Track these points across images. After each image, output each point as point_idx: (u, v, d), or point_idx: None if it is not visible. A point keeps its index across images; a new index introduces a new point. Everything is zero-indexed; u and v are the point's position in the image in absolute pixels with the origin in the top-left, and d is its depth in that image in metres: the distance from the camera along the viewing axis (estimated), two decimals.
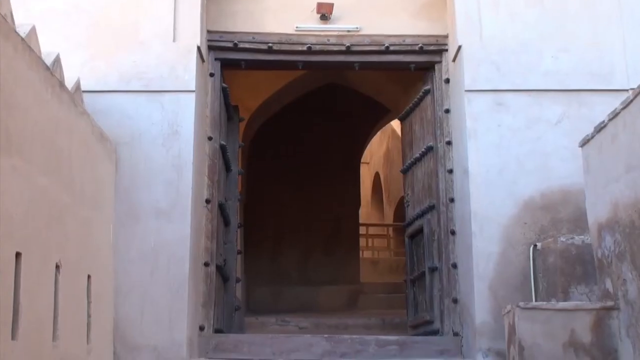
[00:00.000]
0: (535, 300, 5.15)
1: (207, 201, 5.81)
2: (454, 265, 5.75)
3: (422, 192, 6.32)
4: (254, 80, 9.03)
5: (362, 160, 13.44)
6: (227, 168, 6.64)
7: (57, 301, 4.05)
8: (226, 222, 6.50)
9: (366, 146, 12.47)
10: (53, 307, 4.01)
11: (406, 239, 6.68)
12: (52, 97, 4.04)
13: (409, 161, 6.61)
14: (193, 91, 5.52)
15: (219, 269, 5.99)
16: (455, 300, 5.69)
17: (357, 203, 11.91)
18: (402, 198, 16.16)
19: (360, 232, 12.59)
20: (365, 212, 16.98)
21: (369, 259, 15.15)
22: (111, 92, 5.46)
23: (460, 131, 5.69)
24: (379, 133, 16.76)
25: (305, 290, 10.98)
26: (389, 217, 16.94)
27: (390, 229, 16.31)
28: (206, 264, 5.72)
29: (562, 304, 4.44)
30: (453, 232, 5.80)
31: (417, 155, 6.38)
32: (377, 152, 18.03)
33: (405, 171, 6.77)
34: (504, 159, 5.48)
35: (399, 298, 10.89)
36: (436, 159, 6.02)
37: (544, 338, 4.28)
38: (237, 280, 6.65)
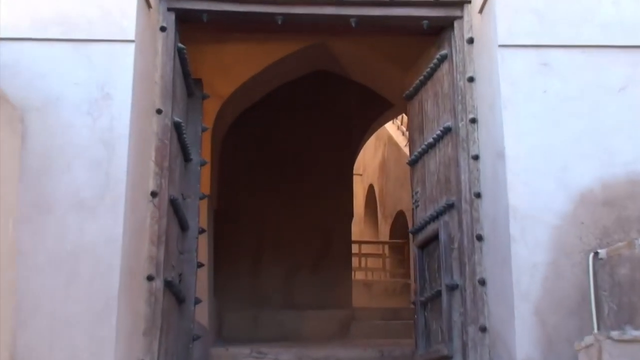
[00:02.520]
0: (598, 328, 3.71)
1: (154, 194, 4.36)
2: (482, 282, 4.30)
3: (437, 188, 4.89)
4: (226, 62, 7.65)
5: (354, 171, 11.94)
6: (186, 156, 5.19)
7: None
8: (183, 226, 5.04)
9: (361, 147, 11.01)
10: None
11: (414, 249, 5.22)
12: None
13: (419, 149, 5.18)
14: (132, 41, 4.09)
15: (170, 285, 4.52)
16: (483, 329, 4.24)
17: (350, 214, 10.45)
18: (400, 213, 14.78)
19: (352, 251, 11.14)
20: (358, 229, 15.53)
21: (361, 281, 13.70)
22: (19, 40, 4.02)
23: (491, 103, 4.27)
24: (373, 140, 15.38)
25: (288, 315, 9.47)
26: (384, 234, 15.48)
27: (386, 247, 14.84)
28: (150, 278, 4.25)
29: None
30: (480, 238, 4.37)
31: (430, 140, 4.96)
32: (372, 163, 16.61)
33: (413, 162, 5.34)
34: (551, 138, 4.06)
35: (399, 326, 9.42)
36: (456, 142, 4.60)
37: None
38: (197, 301, 5.18)
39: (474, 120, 4.53)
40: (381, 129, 14.57)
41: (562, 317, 3.79)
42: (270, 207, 9.81)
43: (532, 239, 3.91)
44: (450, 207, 4.62)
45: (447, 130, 4.72)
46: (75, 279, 3.78)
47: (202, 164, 5.41)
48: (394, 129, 15.47)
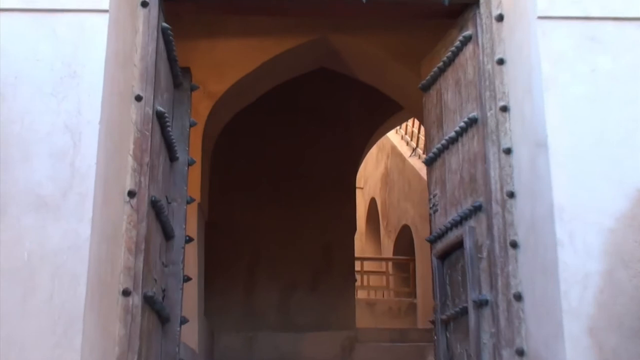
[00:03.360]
0: None
1: (131, 194, 3.70)
2: (518, 297, 3.65)
3: (460, 188, 4.24)
4: (218, 58, 7.06)
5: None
6: (171, 154, 4.55)
7: None
8: (167, 233, 4.39)
9: (365, 154, 10.37)
10: None
11: (433, 260, 4.55)
12: None
13: (438, 146, 4.54)
14: (106, 11, 3.45)
15: (151, 302, 3.85)
16: (521, 352, 3.58)
17: (353, 226, 9.80)
18: (404, 227, 14.07)
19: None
20: (359, 245, 14.85)
21: (363, 300, 13.03)
22: None
23: (528, 86, 3.64)
24: (375, 151, 14.76)
25: (286, 336, 8.81)
26: (387, 250, 14.82)
27: (390, 264, 14.16)
28: (126, 293, 3.59)
29: None
30: (515, 245, 3.72)
31: (452, 134, 4.32)
32: (373, 175, 15.98)
33: (430, 161, 4.70)
34: (602, 124, 3.43)
35: (407, 348, 8.75)
36: (483, 135, 3.96)
37: None
38: (183, 321, 4.50)
39: (505, 109, 3.89)
40: (384, 139, 13.98)
41: (623, 339, 3.14)
42: (265, 219, 9.19)
43: (582, 244, 3.27)
44: (477, 209, 3.97)
45: (472, 122, 4.08)
46: (33, 294, 3.12)
47: (190, 163, 4.76)
48: (398, 139, 14.86)
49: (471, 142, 4.12)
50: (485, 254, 3.89)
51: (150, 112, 3.88)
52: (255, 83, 7.42)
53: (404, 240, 13.93)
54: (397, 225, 14.42)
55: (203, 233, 7.39)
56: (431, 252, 4.62)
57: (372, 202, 16.35)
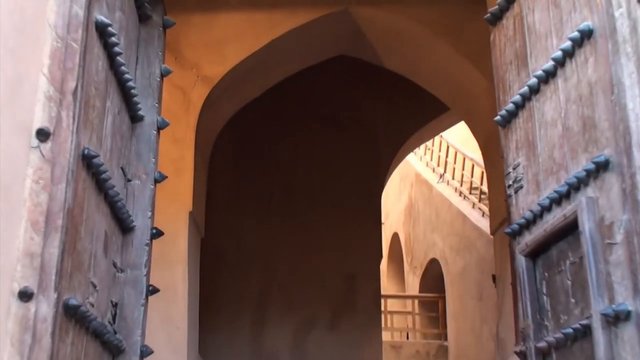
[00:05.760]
0: None
1: (43, 135, 2.25)
2: None
3: (564, 145, 2.77)
4: (216, 36, 5.74)
5: None
6: (132, 110, 3.13)
7: None
8: (122, 222, 2.95)
9: (393, 168, 8.88)
10: None
11: (519, 261, 3.03)
12: None
13: (520, 92, 3.08)
14: None
15: (80, 316, 2.38)
16: None
17: (378, 254, 8.30)
18: (432, 262, 12.48)
19: None
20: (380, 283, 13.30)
21: (387, 343, 11.40)
22: None
23: None
24: (397, 181, 13.31)
25: None
26: (412, 288, 13.26)
27: (416, 302, 12.57)
28: (24, 295, 2.11)
29: None
30: None
31: (546, 67, 2.86)
32: (395, 208, 14.48)
33: (506, 120, 3.24)
34: None
35: None
36: (606, 52, 2.50)
37: None
38: (145, 353, 3.01)
39: None
40: (407, 167, 12.57)
41: None
42: (278, 243, 7.75)
43: None
44: (600, 169, 2.50)
45: (583, 37, 2.63)
46: None
47: (162, 126, 3.32)
48: (422, 166, 13.42)
49: (583, 70, 2.66)
50: (620, 238, 2.39)
51: (83, 14, 2.45)
52: (262, 67, 6.03)
53: (432, 275, 12.41)
54: (423, 260, 12.90)
55: (198, 251, 5.94)
56: (512, 250, 3.12)
57: (395, 237, 14.83)
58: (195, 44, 5.70)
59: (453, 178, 12.31)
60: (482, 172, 10.75)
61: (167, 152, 5.43)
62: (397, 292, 14.34)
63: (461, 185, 11.81)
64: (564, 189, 2.69)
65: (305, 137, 7.94)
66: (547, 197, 2.80)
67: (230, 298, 7.46)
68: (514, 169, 3.17)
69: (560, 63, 2.79)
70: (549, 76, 2.88)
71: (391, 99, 8.10)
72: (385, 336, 11.87)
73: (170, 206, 5.31)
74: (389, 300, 12.40)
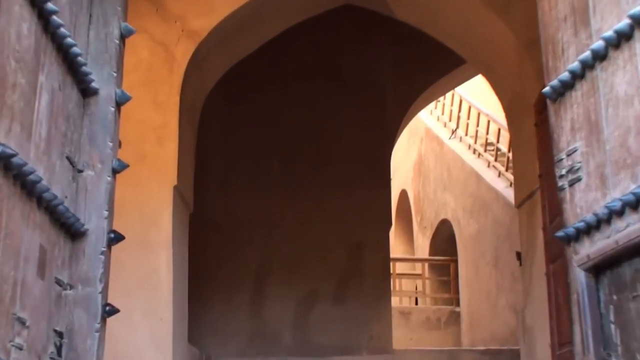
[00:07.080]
0: None
1: None
2: None
3: None
4: None
5: None
6: (81, 82, 2.45)
7: None
8: (69, 229, 2.30)
9: (403, 127, 8.16)
10: None
11: (576, 276, 2.37)
12: None
13: (580, 58, 2.38)
14: None
15: None
16: None
17: (388, 221, 7.68)
18: (443, 223, 11.83)
19: None
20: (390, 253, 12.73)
21: (396, 309, 10.85)
22: None
23: None
24: (406, 136, 12.58)
25: None
26: (422, 250, 12.67)
27: (426, 265, 11.99)
28: None
29: None
30: None
31: (621, 27, 2.15)
32: (403, 163, 13.81)
33: (559, 91, 2.53)
34: None
35: None
36: None
37: None
38: None
39: None
40: (416, 121, 11.84)
41: None
42: (278, 213, 7.14)
43: None
44: None
45: None
46: None
47: (122, 100, 2.63)
48: (433, 121, 12.70)
49: None
50: None
51: None
52: (256, 19, 5.30)
53: (443, 237, 11.81)
54: (434, 221, 12.29)
55: (186, 228, 5.31)
56: (567, 260, 2.46)
57: (403, 194, 14.19)
58: None
59: (466, 134, 11.60)
60: (499, 129, 10.06)
61: (148, 119, 4.78)
62: (406, 252, 13.77)
63: (475, 142, 11.10)
64: None
65: (306, 98, 7.25)
66: (620, 199, 2.13)
67: (228, 273, 6.89)
68: (568, 155, 2.49)
69: (639, 22, 2.09)
70: (621, 39, 2.17)
71: (401, 53, 7.40)
72: (394, 302, 11.32)
73: (152, 181, 4.68)
74: (397, 263, 11.82)
